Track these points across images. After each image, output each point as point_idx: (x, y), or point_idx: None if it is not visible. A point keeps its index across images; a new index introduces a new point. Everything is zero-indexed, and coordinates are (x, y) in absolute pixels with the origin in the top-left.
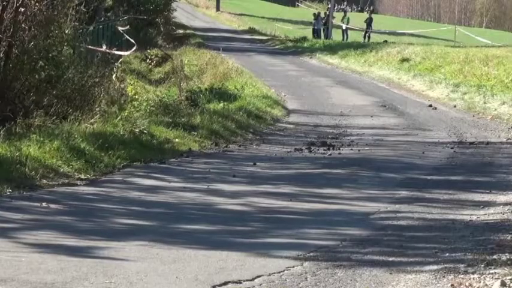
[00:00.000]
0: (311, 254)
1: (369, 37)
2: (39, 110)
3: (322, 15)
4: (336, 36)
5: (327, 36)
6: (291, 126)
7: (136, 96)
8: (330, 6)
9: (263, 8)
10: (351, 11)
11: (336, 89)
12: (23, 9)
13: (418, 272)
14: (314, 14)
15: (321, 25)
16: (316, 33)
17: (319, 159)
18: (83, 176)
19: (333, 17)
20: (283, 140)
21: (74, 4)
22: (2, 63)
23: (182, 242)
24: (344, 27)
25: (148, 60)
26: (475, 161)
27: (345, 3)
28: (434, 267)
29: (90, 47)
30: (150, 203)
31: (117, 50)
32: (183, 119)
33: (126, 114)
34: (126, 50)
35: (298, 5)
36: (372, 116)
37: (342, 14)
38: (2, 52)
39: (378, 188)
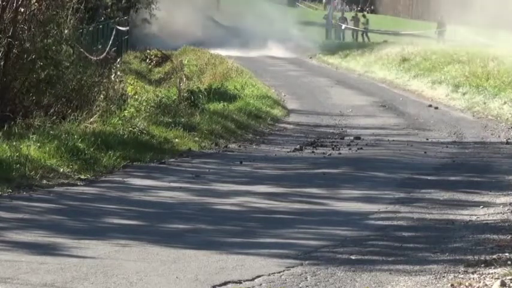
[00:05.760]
0: (311, 254)
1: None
2: (39, 110)
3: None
4: (348, 36)
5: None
6: (291, 126)
7: (136, 96)
8: (329, 6)
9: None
10: (351, 11)
11: (336, 89)
12: (22, 10)
13: (418, 272)
14: (325, 15)
15: (331, 25)
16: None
17: (318, 159)
18: (82, 176)
19: (351, 19)
20: (283, 140)
21: (74, 3)
22: (1, 63)
23: (182, 242)
24: (343, 27)
25: (148, 60)
26: (474, 161)
27: (344, 3)
28: (434, 267)
29: (82, 50)
30: (149, 203)
31: (116, 50)
32: (182, 119)
33: (125, 114)
34: (126, 51)
35: (297, 5)
36: (371, 116)
37: (361, 15)
38: (1, 52)
39: (378, 188)
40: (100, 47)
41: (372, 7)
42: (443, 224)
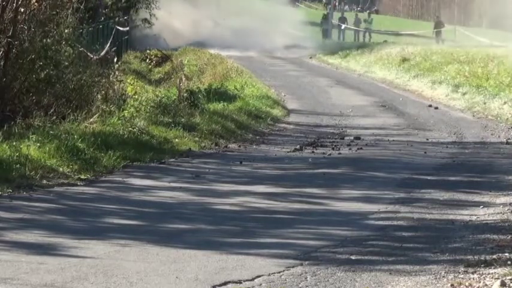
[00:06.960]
0: (311, 254)
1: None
2: (39, 110)
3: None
4: (348, 37)
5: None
6: (291, 126)
7: (136, 96)
8: (330, 6)
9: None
10: (351, 11)
11: (336, 89)
12: (22, 10)
13: (418, 272)
14: (324, 15)
15: (330, 25)
16: (325, 33)
17: (318, 159)
18: (82, 176)
19: (354, 20)
20: (283, 140)
21: (74, 3)
22: (1, 63)
23: (182, 242)
24: (343, 27)
25: (148, 60)
26: (474, 161)
27: (343, 3)
28: (434, 267)
29: (82, 49)
30: (149, 203)
31: (116, 50)
32: (182, 119)
33: (125, 114)
34: (126, 51)
35: (297, 5)
36: (371, 116)
37: (366, 13)
38: (1, 52)
39: (378, 189)
40: (99, 46)
41: (376, 8)
42: (443, 224)
